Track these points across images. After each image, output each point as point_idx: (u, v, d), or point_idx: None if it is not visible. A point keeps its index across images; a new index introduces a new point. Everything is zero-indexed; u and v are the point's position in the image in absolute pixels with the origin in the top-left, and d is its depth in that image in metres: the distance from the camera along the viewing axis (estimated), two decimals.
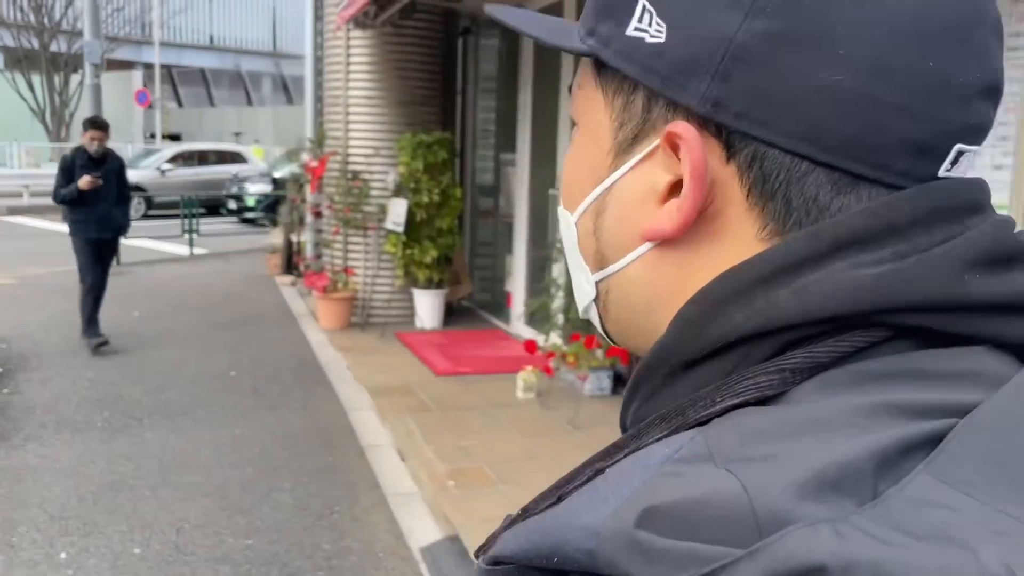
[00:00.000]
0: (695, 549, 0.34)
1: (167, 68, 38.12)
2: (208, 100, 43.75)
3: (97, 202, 6.79)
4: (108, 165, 6.88)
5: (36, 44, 27.91)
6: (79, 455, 4.68)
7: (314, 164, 7.78)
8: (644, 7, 0.46)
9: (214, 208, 18.94)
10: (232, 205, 17.64)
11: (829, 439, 0.37)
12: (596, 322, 0.56)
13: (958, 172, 0.45)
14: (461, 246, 8.13)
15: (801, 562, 0.32)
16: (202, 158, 20.46)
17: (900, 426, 0.37)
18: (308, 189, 8.89)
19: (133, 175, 11.90)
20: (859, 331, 0.42)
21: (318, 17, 10.31)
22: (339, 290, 7.73)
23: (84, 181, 6.62)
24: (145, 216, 18.18)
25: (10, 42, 28.08)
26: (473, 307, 8.77)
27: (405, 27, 7.66)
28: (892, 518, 0.34)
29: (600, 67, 0.50)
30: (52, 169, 23.97)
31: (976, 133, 0.44)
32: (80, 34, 29.27)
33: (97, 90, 11.25)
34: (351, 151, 7.88)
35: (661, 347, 0.46)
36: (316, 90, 10.42)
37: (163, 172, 19.20)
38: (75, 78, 29.07)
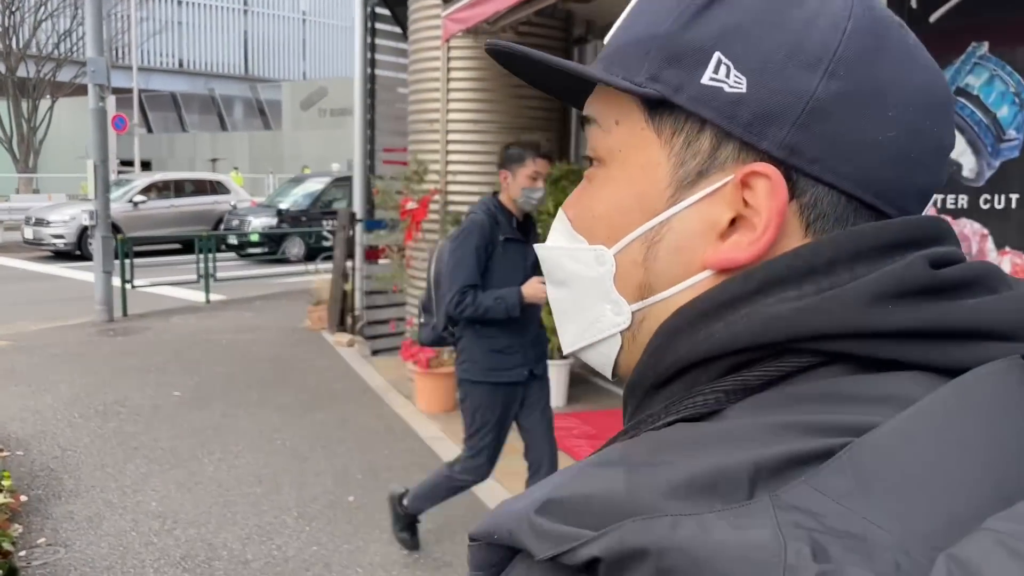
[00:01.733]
0: (567, 531, 0.40)
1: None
2: (180, 125, 41.55)
3: (532, 314, 3.52)
4: (531, 233, 3.64)
5: (3, 68, 25.68)
6: None
7: (412, 205, 6.06)
8: (720, 60, 0.50)
9: (191, 245, 16.75)
10: (232, 240, 15.70)
11: (725, 451, 0.41)
12: (610, 354, 0.57)
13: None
14: None
15: (629, 545, 0.38)
16: (178, 188, 17.93)
17: (798, 441, 0.41)
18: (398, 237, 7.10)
19: None
20: (788, 357, 0.46)
21: (371, 30, 8.61)
22: (445, 363, 6.01)
23: (536, 289, 3.35)
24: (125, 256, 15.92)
25: None
26: (585, 373, 7.10)
27: (527, 35, 6.02)
28: (747, 517, 0.38)
29: (653, 109, 0.53)
30: (23, 202, 21.69)
31: (942, 184, 0.53)
32: (49, 58, 27.19)
33: (102, 115, 9.38)
34: (451, 188, 6.20)
35: (636, 372, 0.53)
36: (366, 113, 8.69)
37: (136, 205, 16.70)
38: (44, 104, 26.92)
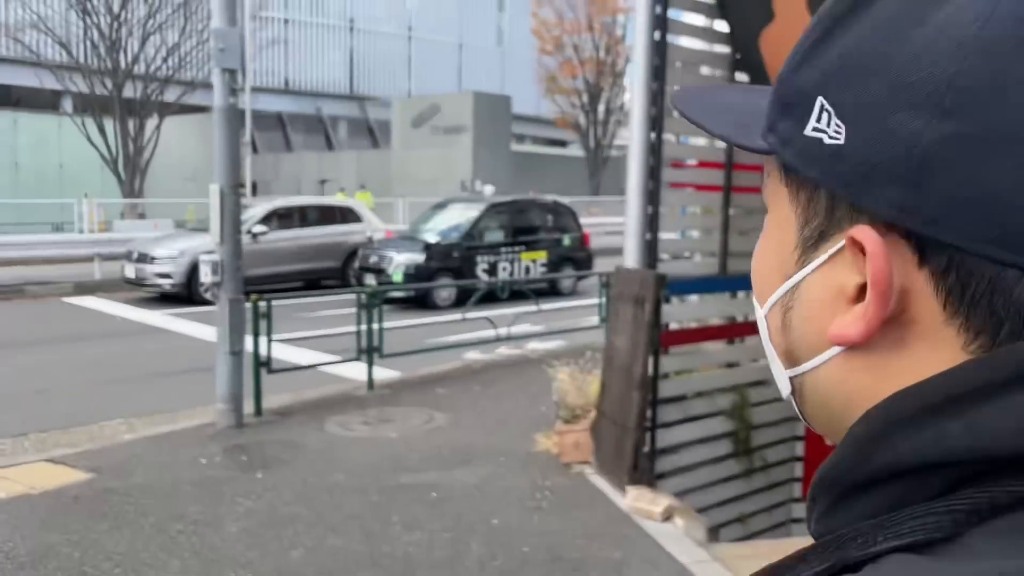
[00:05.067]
0: None
1: (241, 112, 33.59)
2: (285, 145, 39.14)
3: None
4: None
5: (109, 85, 23.16)
6: None
7: None
8: (822, 106, 0.42)
9: (315, 284, 13.86)
10: (370, 280, 12.30)
11: None
12: (796, 411, 0.50)
13: None
14: None
15: None
16: (302, 216, 14.40)
17: None
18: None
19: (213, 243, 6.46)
20: None
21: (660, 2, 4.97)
22: None
23: None
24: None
25: (82, 87, 23.29)
26: None
27: None
28: None
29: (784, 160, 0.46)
30: (127, 232, 18.57)
31: None
32: (154, 78, 24.56)
33: (232, 117, 6.02)
34: None
35: (833, 465, 0.42)
36: (651, 105, 5.04)
37: (255, 237, 12.93)
38: (150, 123, 24.37)
